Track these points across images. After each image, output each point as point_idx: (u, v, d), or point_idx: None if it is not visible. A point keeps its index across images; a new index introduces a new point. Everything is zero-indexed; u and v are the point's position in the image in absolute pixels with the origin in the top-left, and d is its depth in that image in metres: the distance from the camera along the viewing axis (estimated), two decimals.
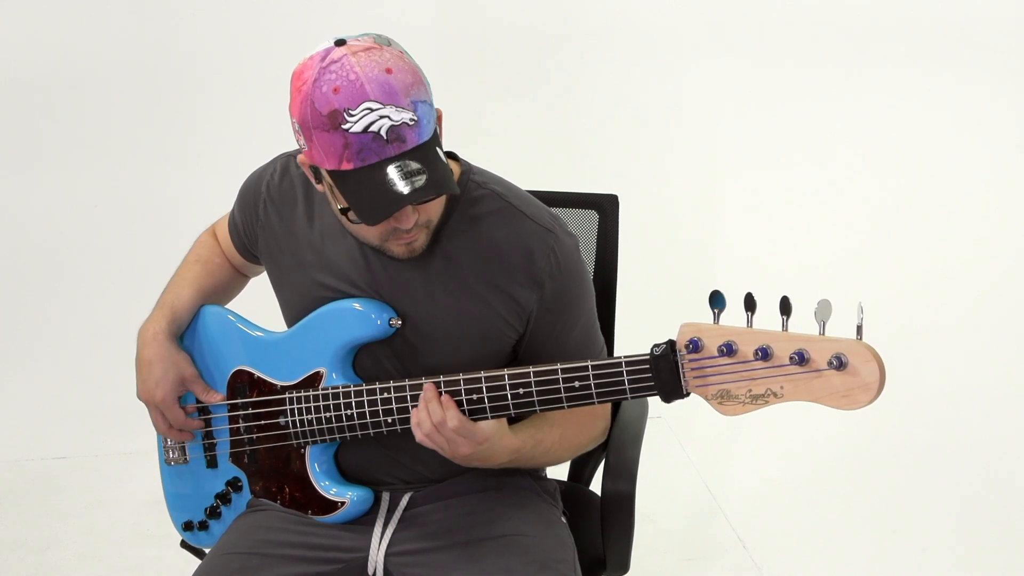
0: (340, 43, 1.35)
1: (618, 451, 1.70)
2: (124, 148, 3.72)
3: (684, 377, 1.31)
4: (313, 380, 1.59)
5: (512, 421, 1.66)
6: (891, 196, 3.70)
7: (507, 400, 1.43)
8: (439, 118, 1.42)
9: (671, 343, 1.32)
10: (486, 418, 1.45)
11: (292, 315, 1.65)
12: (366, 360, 1.59)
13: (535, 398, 1.41)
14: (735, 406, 1.26)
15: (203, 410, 1.71)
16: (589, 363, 1.37)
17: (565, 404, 1.40)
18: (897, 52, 3.64)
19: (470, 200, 1.55)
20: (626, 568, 1.72)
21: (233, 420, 1.67)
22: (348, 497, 1.60)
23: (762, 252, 3.66)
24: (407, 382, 1.50)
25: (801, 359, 1.19)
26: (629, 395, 1.36)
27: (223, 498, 1.72)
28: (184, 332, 1.73)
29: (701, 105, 3.80)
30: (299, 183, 1.63)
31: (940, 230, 3.66)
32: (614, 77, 3.78)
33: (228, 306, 1.80)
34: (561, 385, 1.39)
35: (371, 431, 1.54)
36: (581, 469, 1.98)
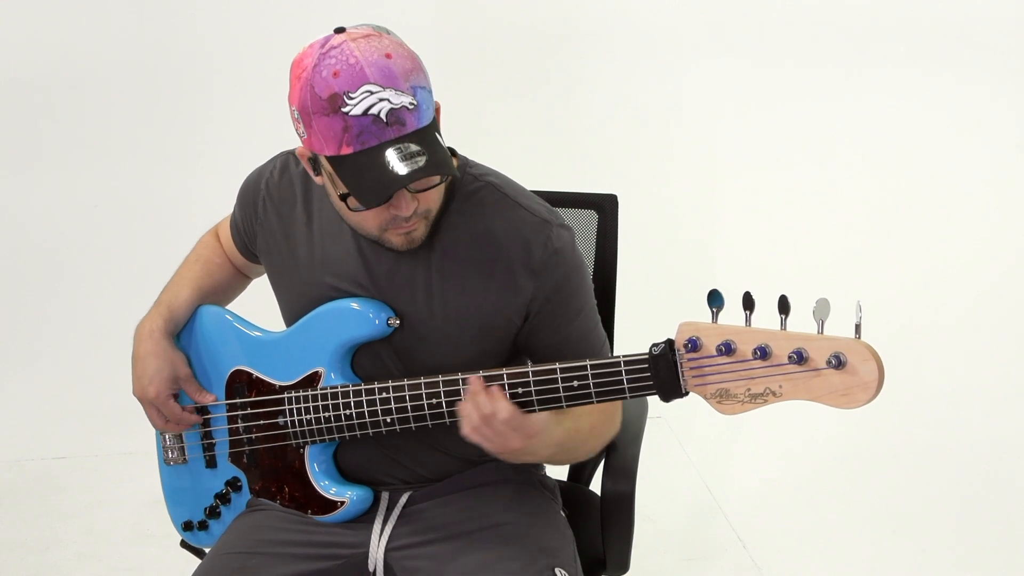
0: (339, 31, 1.36)
1: (618, 451, 1.70)
2: (124, 148, 3.72)
3: (683, 376, 1.31)
4: (312, 380, 1.58)
5: None
6: (891, 196, 3.70)
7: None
8: (438, 111, 1.41)
9: (670, 342, 1.32)
10: None
11: (291, 314, 1.65)
12: (365, 359, 1.58)
13: (534, 397, 1.41)
14: (734, 405, 1.26)
15: (201, 410, 1.71)
16: (588, 363, 1.37)
17: (564, 404, 1.40)
18: (897, 52, 3.64)
19: (467, 192, 1.55)
20: (626, 568, 1.72)
21: (232, 420, 1.67)
22: (348, 496, 1.60)
23: (762, 252, 3.66)
24: (406, 381, 1.49)
25: (800, 358, 1.19)
26: (628, 394, 1.36)
27: (222, 498, 1.72)
28: (181, 332, 1.73)
29: (701, 105, 3.80)
30: (298, 181, 1.63)
31: (940, 230, 3.66)
32: (614, 77, 3.78)
33: (227, 306, 1.80)
34: (560, 384, 1.39)
35: (370, 431, 1.54)
36: (581, 469, 1.98)
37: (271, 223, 1.65)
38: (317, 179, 1.46)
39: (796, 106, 3.72)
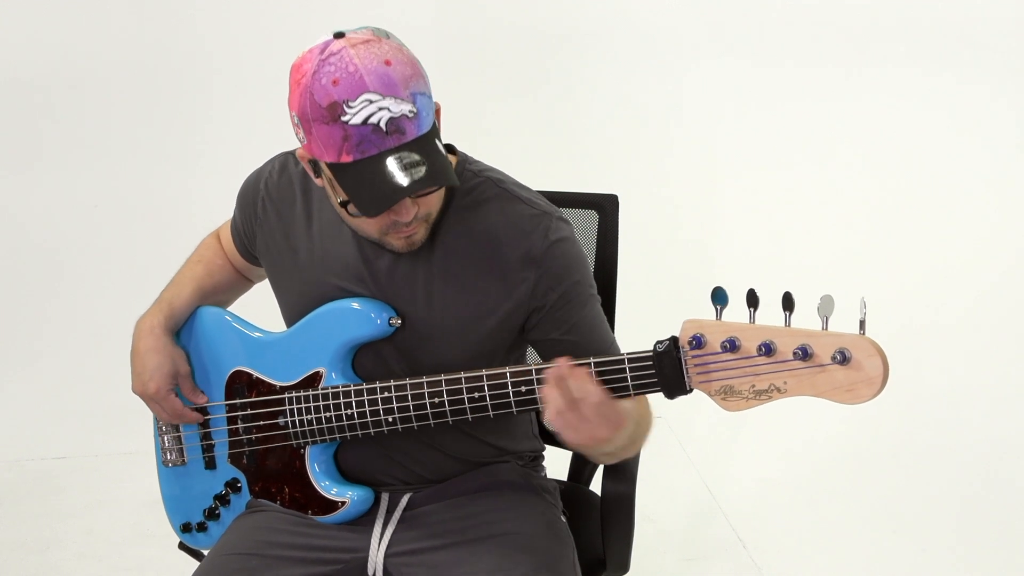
0: (339, 36, 1.35)
1: None
2: (124, 148, 3.72)
3: (687, 373, 1.30)
4: (312, 380, 1.58)
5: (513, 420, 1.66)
6: (891, 196, 3.70)
7: (509, 398, 1.42)
8: (438, 111, 1.41)
9: (674, 339, 1.31)
10: (488, 416, 1.45)
11: (291, 315, 1.64)
12: (367, 359, 1.58)
13: (537, 396, 1.40)
14: (738, 402, 1.26)
15: (201, 410, 1.70)
16: (591, 360, 1.36)
17: None
18: (897, 52, 3.65)
19: (466, 189, 1.54)
20: (626, 568, 1.72)
21: (232, 421, 1.67)
22: (349, 497, 1.60)
23: (762, 252, 3.66)
24: (407, 381, 1.49)
25: (804, 354, 1.19)
26: (632, 392, 1.35)
27: (222, 499, 1.71)
28: (180, 332, 1.73)
29: (701, 105, 3.80)
30: (298, 181, 1.62)
31: (940, 230, 3.66)
32: (614, 77, 3.79)
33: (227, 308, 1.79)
34: None
35: (371, 431, 1.53)
36: (581, 469, 1.98)
37: (271, 223, 1.64)
38: (317, 181, 1.46)
39: (796, 106, 3.73)
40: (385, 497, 1.64)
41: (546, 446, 1.82)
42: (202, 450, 1.72)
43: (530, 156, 3.39)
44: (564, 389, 1.30)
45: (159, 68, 3.68)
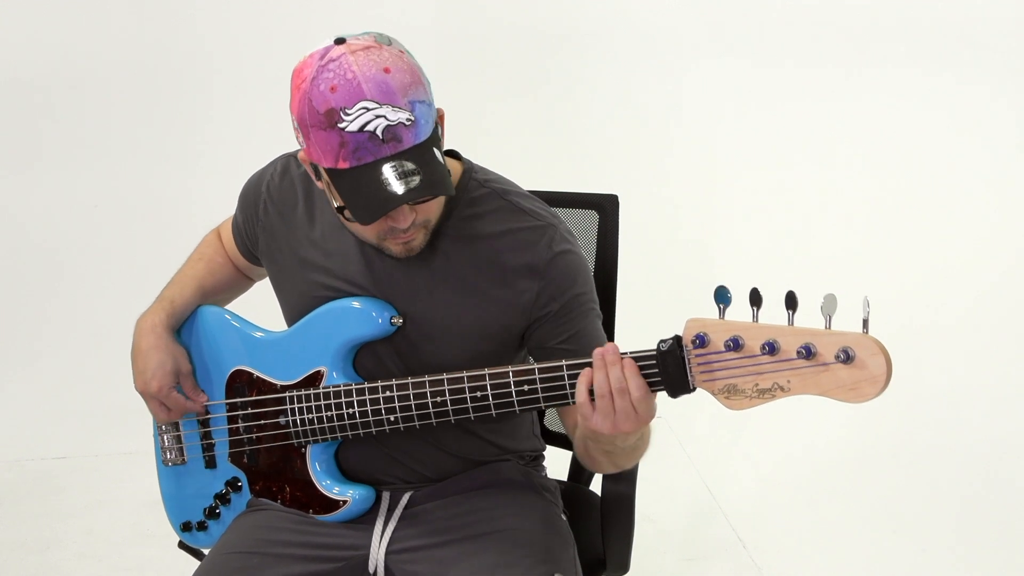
0: (340, 41, 1.35)
1: None
2: (124, 148, 3.72)
3: (691, 372, 1.30)
4: (313, 379, 1.58)
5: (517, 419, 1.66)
6: (891, 196, 3.70)
7: (512, 397, 1.42)
8: (441, 118, 1.41)
9: (677, 338, 1.31)
10: (491, 415, 1.45)
11: (293, 315, 1.64)
12: (367, 359, 1.58)
13: (540, 395, 1.41)
14: (742, 400, 1.26)
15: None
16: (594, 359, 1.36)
17: (571, 401, 1.39)
18: (897, 52, 3.65)
19: (471, 199, 1.54)
20: (626, 568, 1.72)
21: (232, 420, 1.67)
22: (350, 495, 1.60)
23: (762, 252, 3.66)
24: (409, 380, 1.49)
25: (808, 353, 1.19)
26: None
27: (222, 498, 1.71)
28: (181, 331, 1.73)
29: (701, 105, 3.80)
30: (299, 183, 1.62)
31: (940, 230, 3.66)
32: (614, 77, 3.79)
33: (227, 307, 1.79)
34: (566, 381, 1.38)
35: (372, 430, 1.53)
36: (581, 469, 1.98)
37: (273, 225, 1.64)
38: (319, 183, 1.46)
39: (796, 106, 3.73)
40: (386, 496, 1.63)
41: (547, 446, 1.82)
42: (202, 449, 1.72)
43: (530, 156, 3.40)
44: (610, 377, 1.31)
45: (159, 68, 3.68)
